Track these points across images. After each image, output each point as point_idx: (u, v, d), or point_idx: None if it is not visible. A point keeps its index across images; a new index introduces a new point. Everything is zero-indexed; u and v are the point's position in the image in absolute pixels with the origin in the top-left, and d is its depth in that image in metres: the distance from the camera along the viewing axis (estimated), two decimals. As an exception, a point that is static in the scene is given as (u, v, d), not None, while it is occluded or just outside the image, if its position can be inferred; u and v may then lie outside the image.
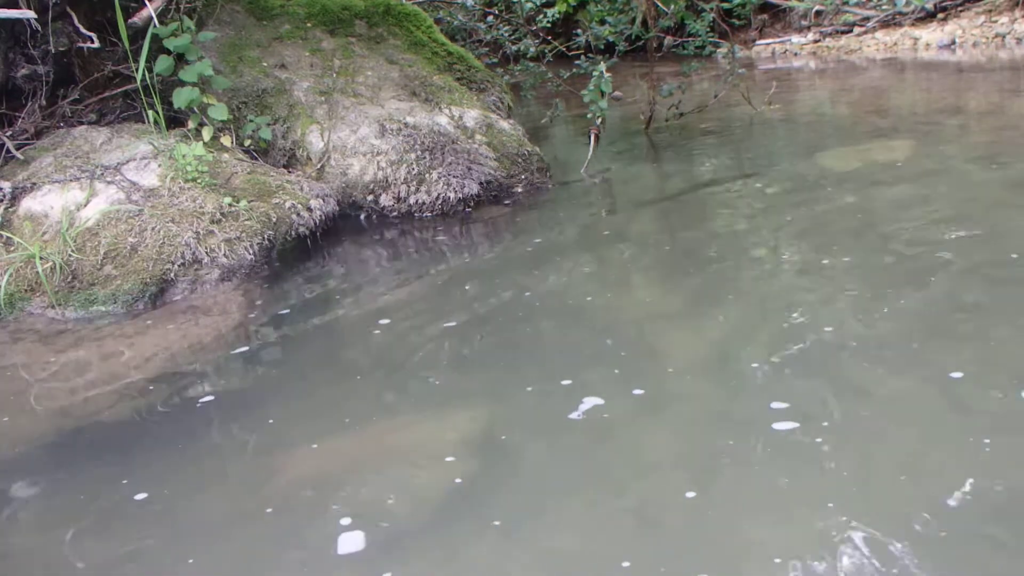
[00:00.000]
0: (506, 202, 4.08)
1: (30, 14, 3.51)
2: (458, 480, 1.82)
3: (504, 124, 4.49)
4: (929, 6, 9.31)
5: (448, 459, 1.90)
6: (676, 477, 1.76)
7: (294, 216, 3.57)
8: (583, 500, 1.73)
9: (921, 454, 1.75)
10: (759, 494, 1.67)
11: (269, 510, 1.78)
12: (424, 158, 4.01)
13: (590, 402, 2.08)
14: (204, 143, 3.67)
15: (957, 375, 2.02)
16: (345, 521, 1.70)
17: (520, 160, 4.31)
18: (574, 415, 2.03)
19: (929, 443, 1.79)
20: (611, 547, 1.57)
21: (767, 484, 1.70)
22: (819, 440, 1.82)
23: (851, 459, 1.75)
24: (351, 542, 1.64)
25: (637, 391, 2.12)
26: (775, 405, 1.97)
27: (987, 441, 1.74)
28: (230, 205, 3.41)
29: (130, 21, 3.79)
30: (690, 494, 1.69)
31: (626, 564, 1.51)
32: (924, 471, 1.69)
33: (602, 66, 4.78)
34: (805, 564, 1.47)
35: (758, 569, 1.47)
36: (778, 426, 1.89)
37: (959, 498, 1.59)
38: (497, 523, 1.66)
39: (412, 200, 3.96)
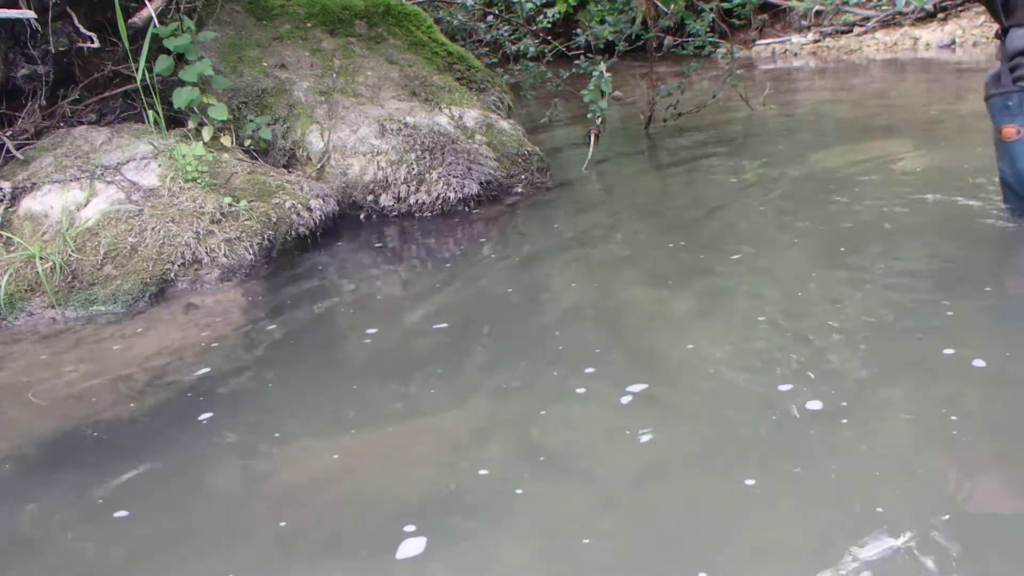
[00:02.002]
0: (506, 202, 4.08)
1: (30, 14, 3.51)
2: (502, 481, 1.78)
3: (504, 124, 4.49)
4: (929, 6, 9.32)
5: (474, 459, 1.88)
6: (731, 467, 1.76)
7: (294, 216, 3.57)
8: (639, 500, 1.70)
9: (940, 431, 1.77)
10: (817, 480, 1.68)
11: (283, 524, 1.74)
12: (424, 158, 4.01)
13: (610, 399, 2.07)
14: (204, 143, 3.67)
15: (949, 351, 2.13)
16: (410, 528, 1.65)
17: (520, 160, 4.31)
18: (597, 413, 2.03)
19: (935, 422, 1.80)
20: (682, 551, 1.53)
21: (819, 467, 1.72)
22: (845, 420, 1.87)
23: (884, 440, 1.79)
24: (411, 548, 1.59)
25: (653, 386, 2.12)
26: (791, 390, 2.00)
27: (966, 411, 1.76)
28: (230, 205, 3.41)
29: (130, 21, 3.79)
30: (749, 481, 1.69)
31: (703, 575, 1.46)
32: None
33: (602, 66, 4.78)
34: (888, 547, 1.47)
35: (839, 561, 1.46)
36: (810, 406, 1.93)
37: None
38: (553, 527, 1.63)
39: (412, 200, 3.96)
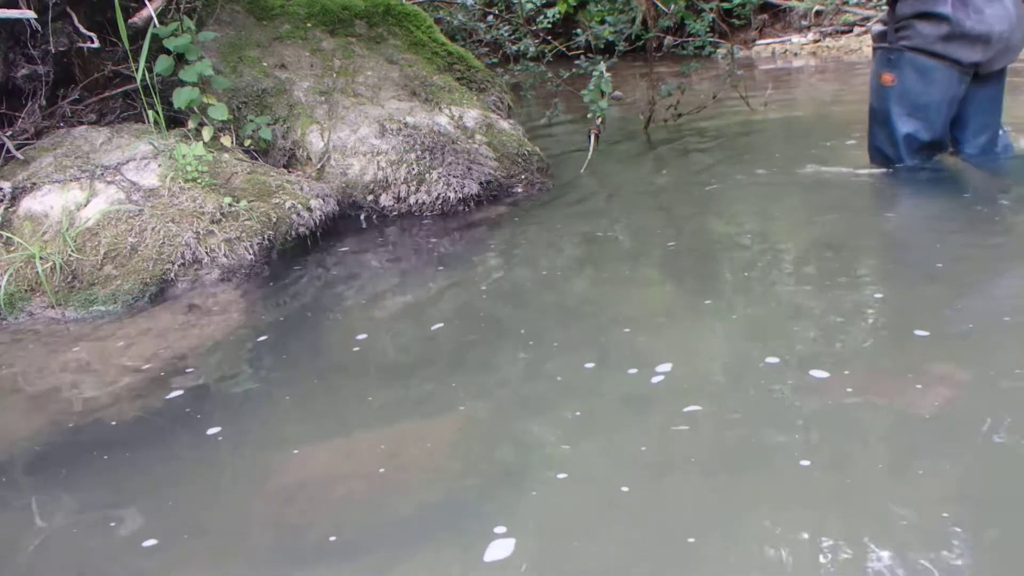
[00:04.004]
0: (506, 202, 4.08)
1: (30, 14, 3.51)
2: (563, 476, 1.77)
3: (504, 124, 4.49)
4: (929, 6, 9.29)
5: (508, 458, 1.87)
6: (788, 450, 1.78)
7: (294, 216, 3.57)
8: (703, 490, 1.68)
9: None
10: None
11: (333, 537, 1.67)
12: (424, 158, 4.01)
13: (636, 389, 2.09)
14: (204, 143, 3.67)
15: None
16: (500, 530, 1.60)
17: (520, 160, 4.31)
18: (629, 405, 2.05)
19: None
20: (786, 540, 1.51)
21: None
22: (849, 388, 1.96)
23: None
24: (499, 550, 1.54)
25: (674, 375, 2.13)
26: (799, 371, 2.08)
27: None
28: (230, 205, 3.41)
29: (130, 21, 3.79)
30: (805, 462, 1.72)
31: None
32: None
33: (602, 66, 4.77)
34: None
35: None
36: (816, 377, 2.02)
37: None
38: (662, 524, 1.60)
39: (412, 200, 3.96)
